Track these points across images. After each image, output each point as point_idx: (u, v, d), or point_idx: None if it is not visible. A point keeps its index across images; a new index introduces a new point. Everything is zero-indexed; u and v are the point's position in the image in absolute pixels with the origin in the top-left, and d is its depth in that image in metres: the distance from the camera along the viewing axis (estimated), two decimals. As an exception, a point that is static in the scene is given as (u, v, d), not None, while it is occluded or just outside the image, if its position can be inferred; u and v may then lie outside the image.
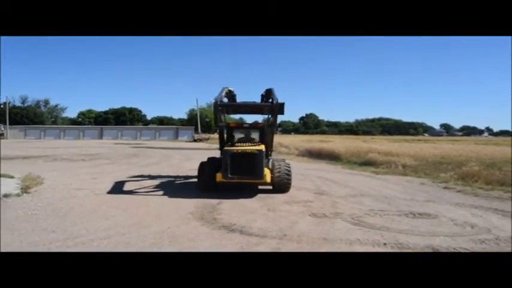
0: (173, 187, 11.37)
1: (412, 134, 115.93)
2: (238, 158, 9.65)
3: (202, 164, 10.83)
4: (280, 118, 11.60)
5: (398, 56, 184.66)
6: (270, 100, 10.54)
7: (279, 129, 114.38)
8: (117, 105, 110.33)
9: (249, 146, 10.27)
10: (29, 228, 6.29)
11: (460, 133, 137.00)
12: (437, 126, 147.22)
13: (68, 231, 6.15)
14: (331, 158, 22.21)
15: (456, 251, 5.47)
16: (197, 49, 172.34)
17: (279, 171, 10.11)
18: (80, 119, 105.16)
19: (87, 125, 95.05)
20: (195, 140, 59.81)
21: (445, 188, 11.73)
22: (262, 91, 11.74)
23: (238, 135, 11.57)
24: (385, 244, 5.71)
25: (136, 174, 14.45)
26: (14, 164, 16.88)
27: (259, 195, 9.72)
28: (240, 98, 12.21)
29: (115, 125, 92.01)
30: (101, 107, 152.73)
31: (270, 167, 10.39)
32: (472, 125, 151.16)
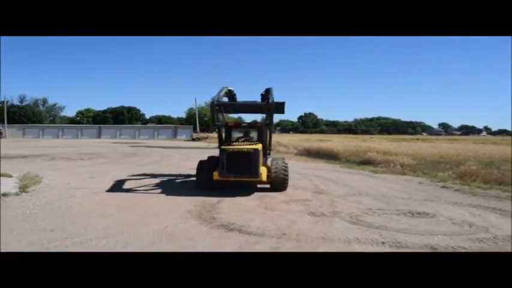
0: (172, 186, 11.37)
1: (411, 133, 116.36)
2: (234, 156, 9.71)
3: (201, 163, 10.88)
4: (279, 117, 11.68)
5: (397, 56, 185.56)
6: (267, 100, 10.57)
7: (278, 128, 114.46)
8: (115, 104, 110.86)
9: (246, 145, 10.32)
10: (28, 228, 6.29)
11: (459, 132, 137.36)
12: (435, 126, 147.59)
13: (66, 231, 6.15)
14: (330, 157, 22.24)
15: (454, 250, 5.49)
16: (197, 49, 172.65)
17: (276, 170, 10.14)
18: (78, 118, 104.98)
19: (86, 124, 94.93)
20: (193, 139, 59.70)
21: (443, 187, 11.75)
22: (262, 90, 11.76)
23: (237, 135, 11.61)
24: (383, 243, 5.73)
25: (135, 173, 14.45)
26: (13, 163, 16.83)
27: (258, 194, 9.73)
28: (240, 98, 12.25)
29: (113, 124, 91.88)
30: (99, 106, 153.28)
31: (269, 165, 10.41)
32: (470, 124, 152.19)
